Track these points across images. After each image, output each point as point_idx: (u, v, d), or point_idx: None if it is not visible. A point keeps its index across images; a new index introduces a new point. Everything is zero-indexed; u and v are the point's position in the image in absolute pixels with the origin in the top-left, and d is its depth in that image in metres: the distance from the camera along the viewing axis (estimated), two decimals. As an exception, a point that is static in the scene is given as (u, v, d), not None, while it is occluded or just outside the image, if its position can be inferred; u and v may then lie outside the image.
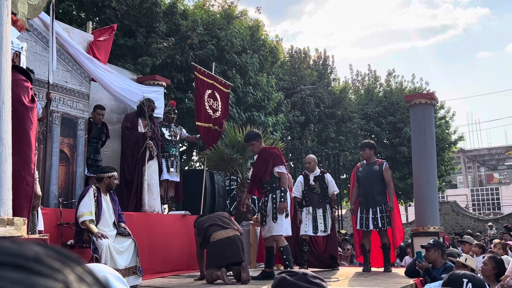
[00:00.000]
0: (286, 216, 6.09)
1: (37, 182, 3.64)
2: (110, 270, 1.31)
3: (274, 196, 6.16)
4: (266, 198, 6.23)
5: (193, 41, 11.37)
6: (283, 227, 6.17)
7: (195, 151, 13.17)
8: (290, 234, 6.37)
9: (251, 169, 6.62)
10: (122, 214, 6.02)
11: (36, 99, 3.58)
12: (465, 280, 2.31)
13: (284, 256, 6.11)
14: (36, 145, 3.52)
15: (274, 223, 6.11)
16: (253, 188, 6.61)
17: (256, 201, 10.80)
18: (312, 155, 8.09)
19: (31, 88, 3.53)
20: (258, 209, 8.96)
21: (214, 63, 10.03)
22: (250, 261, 8.01)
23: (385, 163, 7.43)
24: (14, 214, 2.92)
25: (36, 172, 3.58)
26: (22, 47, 3.81)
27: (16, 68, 3.54)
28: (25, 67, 3.80)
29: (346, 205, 23.76)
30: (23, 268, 0.37)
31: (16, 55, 3.70)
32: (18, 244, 0.40)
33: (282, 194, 6.10)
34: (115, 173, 5.90)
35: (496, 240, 9.22)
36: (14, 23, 3.89)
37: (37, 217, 4.18)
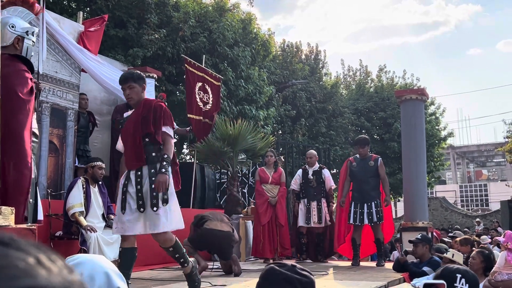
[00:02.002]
0: (165, 202, 4.14)
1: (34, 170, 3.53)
2: (112, 266, 1.31)
3: (153, 171, 4.18)
4: (139, 173, 4.20)
5: (184, 33, 11.31)
6: (173, 219, 4.24)
7: (185, 144, 13.13)
8: (183, 227, 4.41)
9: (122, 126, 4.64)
10: (112, 206, 5.99)
11: (34, 90, 3.45)
12: (459, 276, 2.31)
13: (177, 255, 4.37)
14: (32, 138, 3.41)
15: (156, 212, 4.12)
16: (132, 155, 4.26)
17: (247, 194, 10.79)
18: (313, 151, 8.54)
19: (31, 79, 3.38)
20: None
21: (205, 55, 9.98)
22: (240, 254, 8.02)
23: (379, 158, 7.49)
24: (10, 206, 2.87)
25: (34, 167, 3.47)
26: (27, 31, 3.55)
27: (18, 57, 3.40)
28: (31, 53, 3.59)
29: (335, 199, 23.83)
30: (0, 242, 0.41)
31: (18, 40, 3.48)
32: None
33: (165, 163, 4.12)
34: (99, 163, 5.86)
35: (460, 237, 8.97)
36: (31, 6, 3.69)
37: (38, 207, 4.00)
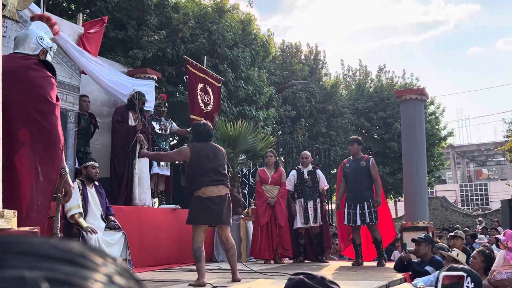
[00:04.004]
0: None
1: (68, 175, 3.62)
2: None
3: None
4: None
5: (184, 34, 11.32)
6: None
7: (186, 144, 13.14)
8: None
9: None
10: (111, 207, 6.01)
11: (60, 99, 3.59)
12: (465, 274, 2.33)
13: None
14: (63, 142, 3.53)
15: None
16: None
17: (247, 195, 10.81)
18: (307, 152, 8.53)
19: (56, 86, 3.54)
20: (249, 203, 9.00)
21: (206, 57, 10.00)
22: (241, 255, 8.03)
23: (371, 158, 7.50)
24: (36, 210, 2.87)
25: (66, 166, 3.54)
26: (51, 47, 3.79)
27: (44, 63, 3.52)
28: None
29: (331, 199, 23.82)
30: (73, 262, 0.41)
31: (43, 52, 3.68)
32: (61, 241, 0.45)
33: None
34: (92, 163, 5.91)
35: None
36: (52, 25, 3.91)
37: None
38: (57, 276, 0.40)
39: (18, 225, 2.61)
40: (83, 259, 0.42)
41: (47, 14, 4.09)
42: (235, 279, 5.49)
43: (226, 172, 5.62)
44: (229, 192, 5.58)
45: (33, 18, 3.89)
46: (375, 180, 7.32)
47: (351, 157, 7.62)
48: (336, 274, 6.29)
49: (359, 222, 7.21)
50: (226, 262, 7.86)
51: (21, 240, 0.43)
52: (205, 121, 5.98)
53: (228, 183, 5.60)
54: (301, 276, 1.45)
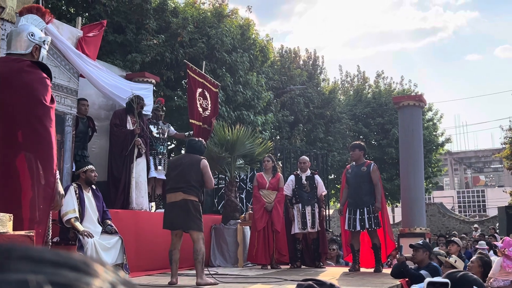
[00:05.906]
0: None
1: (59, 181, 3.53)
2: None
3: None
4: None
5: (183, 38, 11.34)
6: None
7: (183, 149, 13.13)
8: None
9: None
10: (108, 211, 5.99)
11: (55, 100, 3.51)
12: (449, 282, 2.29)
13: None
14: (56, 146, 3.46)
15: None
16: None
17: (245, 200, 10.79)
18: (306, 157, 8.49)
19: (50, 87, 3.44)
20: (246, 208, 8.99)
21: (204, 61, 10.01)
22: (237, 260, 8.02)
23: (373, 164, 7.48)
24: (38, 214, 2.86)
25: (57, 172, 3.48)
26: (44, 41, 3.64)
27: (37, 64, 3.45)
28: (44, 62, 3.65)
29: (333, 205, 23.86)
30: (76, 268, 0.42)
31: (36, 48, 3.56)
32: (62, 252, 0.45)
33: None
34: (90, 166, 5.89)
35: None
36: (43, 14, 3.77)
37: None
38: (60, 280, 0.40)
39: (20, 229, 2.60)
40: (86, 266, 0.43)
41: (36, 4, 3.93)
42: (197, 283, 5.49)
43: (192, 180, 5.56)
44: (191, 198, 5.50)
45: (21, 13, 3.74)
46: (375, 186, 7.30)
47: (353, 162, 7.61)
48: (333, 280, 6.27)
49: (358, 228, 7.19)
50: (223, 266, 7.86)
51: (24, 247, 0.43)
52: (201, 139, 6.25)
53: (191, 190, 5.52)
54: (310, 282, 1.44)
